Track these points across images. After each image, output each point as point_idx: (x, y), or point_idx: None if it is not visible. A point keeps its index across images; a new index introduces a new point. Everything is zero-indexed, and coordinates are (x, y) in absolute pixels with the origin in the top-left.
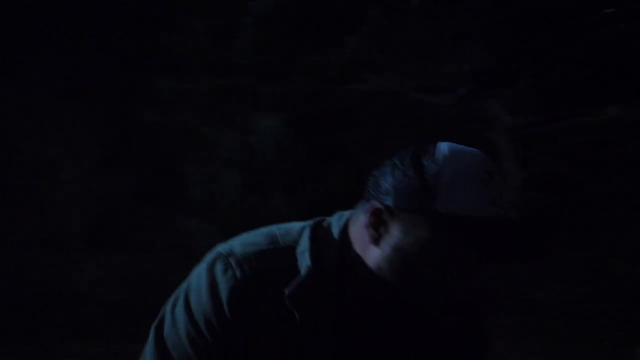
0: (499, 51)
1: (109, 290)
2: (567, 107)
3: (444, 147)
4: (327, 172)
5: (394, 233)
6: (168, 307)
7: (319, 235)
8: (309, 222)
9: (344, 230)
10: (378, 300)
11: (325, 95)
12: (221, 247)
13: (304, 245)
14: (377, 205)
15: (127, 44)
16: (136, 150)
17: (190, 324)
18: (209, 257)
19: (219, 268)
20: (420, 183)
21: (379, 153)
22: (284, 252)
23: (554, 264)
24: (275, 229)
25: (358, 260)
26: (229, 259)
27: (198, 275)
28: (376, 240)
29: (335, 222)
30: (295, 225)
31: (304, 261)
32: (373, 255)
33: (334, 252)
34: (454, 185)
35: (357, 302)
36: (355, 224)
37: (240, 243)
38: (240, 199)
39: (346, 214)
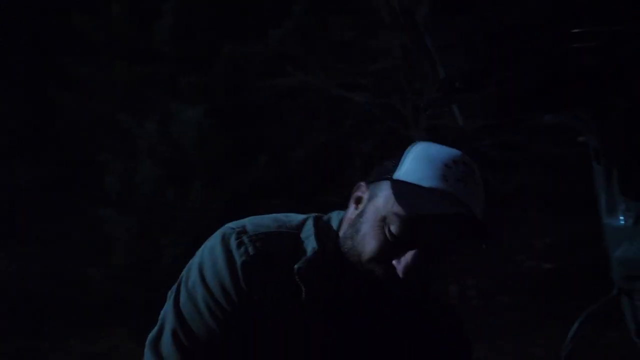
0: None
1: (16, 282)
2: (515, 112)
3: (423, 142)
4: (249, 165)
5: (365, 201)
6: (182, 283)
7: (321, 225)
8: (311, 215)
9: (342, 222)
10: (368, 285)
11: (248, 88)
12: (232, 224)
13: (308, 231)
14: (361, 183)
15: (40, 26)
16: (49, 138)
17: (208, 295)
18: (219, 232)
19: (233, 243)
20: (392, 163)
21: (302, 148)
22: (289, 236)
23: (466, 258)
24: (281, 215)
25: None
26: (242, 237)
27: (211, 249)
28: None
29: (334, 216)
30: (298, 216)
31: (310, 244)
32: (348, 224)
33: (333, 240)
34: (414, 162)
35: (351, 285)
36: (348, 211)
37: (251, 223)
38: (159, 190)
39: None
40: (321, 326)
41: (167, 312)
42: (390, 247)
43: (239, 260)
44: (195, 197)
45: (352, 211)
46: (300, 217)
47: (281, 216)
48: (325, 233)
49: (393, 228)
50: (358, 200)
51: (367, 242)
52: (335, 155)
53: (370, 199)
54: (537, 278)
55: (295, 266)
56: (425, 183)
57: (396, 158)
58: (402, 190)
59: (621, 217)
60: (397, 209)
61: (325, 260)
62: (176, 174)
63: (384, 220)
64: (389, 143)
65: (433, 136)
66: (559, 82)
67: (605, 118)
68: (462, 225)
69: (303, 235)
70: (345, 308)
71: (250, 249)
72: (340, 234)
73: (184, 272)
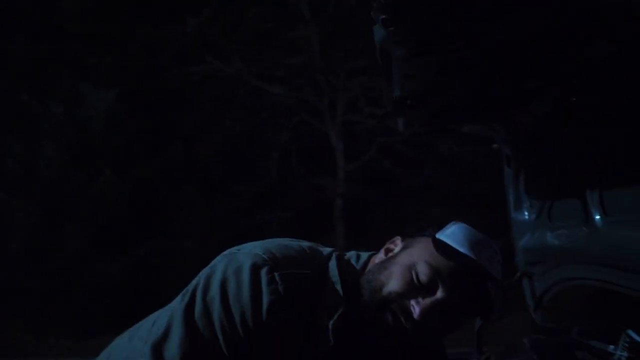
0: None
1: None
2: (446, 124)
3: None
4: (161, 151)
5: (397, 248)
6: (199, 293)
7: (343, 265)
8: (333, 251)
9: (366, 264)
10: (380, 333)
11: (163, 73)
12: (260, 249)
13: (334, 274)
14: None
15: None
16: None
17: (226, 316)
18: (249, 256)
19: (264, 278)
20: (433, 228)
21: (216, 136)
22: (316, 277)
23: None
24: (305, 245)
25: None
26: (274, 273)
27: (238, 271)
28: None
29: (354, 256)
30: (321, 249)
31: (338, 292)
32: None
33: (353, 277)
34: (456, 231)
35: (367, 336)
36: (376, 257)
37: (281, 253)
38: (64, 175)
39: (365, 254)
40: None
41: (175, 317)
42: (413, 288)
43: (267, 298)
44: (103, 182)
45: (380, 257)
46: (325, 251)
47: (306, 247)
48: (346, 271)
49: (421, 274)
50: (388, 250)
51: (393, 279)
52: (250, 146)
53: (404, 248)
54: None
55: (330, 323)
56: (462, 249)
57: (437, 226)
58: (442, 244)
59: (526, 213)
60: (431, 258)
61: (351, 312)
62: (83, 159)
63: (414, 266)
64: (304, 136)
65: (347, 132)
66: (481, 102)
67: (515, 131)
68: (477, 296)
69: (331, 276)
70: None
71: (281, 289)
72: (366, 272)
73: (200, 280)
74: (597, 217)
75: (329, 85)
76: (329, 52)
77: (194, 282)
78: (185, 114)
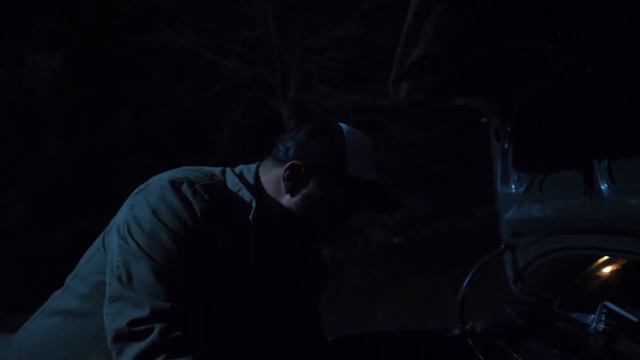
0: None
1: None
2: (447, 93)
3: (342, 125)
4: (108, 120)
5: (310, 187)
6: (135, 232)
7: (243, 179)
8: (224, 168)
9: (257, 178)
10: (283, 237)
11: (113, 40)
12: (168, 176)
13: (233, 183)
14: (297, 163)
15: None
16: None
17: (173, 235)
18: (164, 182)
19: (188, 191)
20: (333, 150)
21: (167, 108)
22: (223, 187)
23: None
24: (197, 168)
25: (271, 201)
26: (195, 186)
27: (162, 197)
28: (291, 191)
29: (245, 172)
30: (212, 169)
31: (246, 195)
32: (285, 200)
33: (260, 194)
34: (355, 155)
35: (269, 236)
36: (268, 175)
37: (186, 175)
38: (4, 139)
39: (252, 166)
40: (267, 266)
41: (128, 260)
42: (327, 214)
43: (197, 206)
44: (45, 149)
45: (287, 186)
46: (216, 169)
47: (200, 169)
48: (244, 179)
49: (329, 207)
50: (296, 181)
51: (298, 211)
52: (202, 119)
53: (319, 186)
54: (386, 250)
55: (250, 217)
56: (370, 176)
57: (329, 138)
58: (360, 188)
59: (513, 186)
60: (353, 203)
61: (264, 212)
62: (25, 124)
63: (328, 195)
64: (257, 112)
65: (300, 110)
66: (480, 73)
67: (508, 104)
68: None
69: (231, 186)
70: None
71: (206, 197)
72: (269, 192)
73: (127, 223)
74: (604, 186)
75: (283, 63)
76: (284, 28)
77: (115, 231)
78: (136, 83)
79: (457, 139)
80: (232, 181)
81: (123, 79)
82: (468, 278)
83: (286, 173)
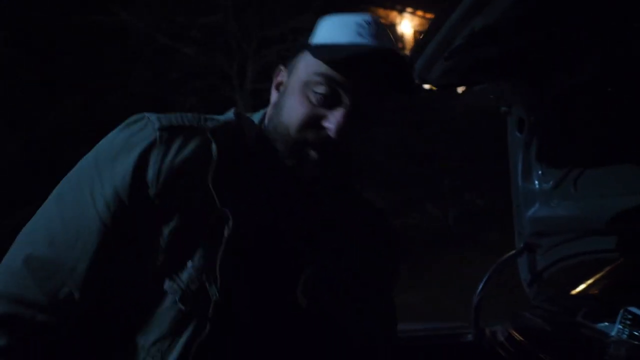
0: None
1: None
2: (478, 77)
3: None
4: (55, 106)
5: (285, 78)
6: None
7: (243, 116)
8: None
9: (263, 117)
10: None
11: (62, 21)
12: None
13: (228, 114)
14: (280, 67)
15: None
16: None
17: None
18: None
19: (139, 121)
20: (306, 37)
21: (119, 95)
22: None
23: None
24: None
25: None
26: (146, 115)
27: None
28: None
29: (256, 114)
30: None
31: (228, 116)
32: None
33: (254, 130)
34: (327, 27)
35: (266, 169)
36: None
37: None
38: None
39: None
40: (230, 191)
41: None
42: (318, 109)
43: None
44: None
45: (275, 96)
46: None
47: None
48: (245, 121)
49: (318, 88)
50: (279, 84)
51: (295, 111)
52: (156, 107)
53: (290, 74)
54: None
55: (209, 124)
56: (342, 40)
57: (309, 32)
58: (320, 49)
59: (536, 182)
60: (319, 67)
61: (239, 132)
62: None
63: (307, 85)
64: (213, 101)
65: (257, 100)
66: (516, 57)
67: (541, 92)
68: (384, 78)
69: (221, 118)
70: (253, 181)
71: (164, 121)
72: (265, 120)
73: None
74: None
75: (241, 52)
76: (244, 16)
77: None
78: (85, 67)
79: (411, 137)
80: (226, 115)
81: (72, 62)
82: (484, 281)
83: (275, 81)
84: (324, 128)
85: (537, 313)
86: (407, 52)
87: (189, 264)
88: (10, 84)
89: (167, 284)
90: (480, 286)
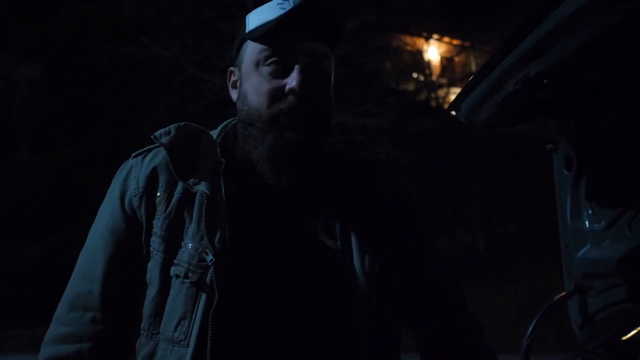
0: None
1: None
2: (524, 117)
3: None
4: (85, 136)
5: (237, 74)
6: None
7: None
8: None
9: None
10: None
11: (94, 52)
12: None
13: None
14: (230, 69)
15: None
16: None
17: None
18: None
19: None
20: (239, 33)
21: (147, 124)
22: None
23: None
24: None
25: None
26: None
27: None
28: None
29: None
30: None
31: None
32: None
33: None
34: (253, 15)
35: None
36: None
37: None
38: None
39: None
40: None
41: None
42: (277, 81)
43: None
44: (20, 164)
45: (235, 93)
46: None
47: None
48: (231, 132)
49: (267, 61)
50: (235, 83)
51: (257, 91)
52: None
53: (240, 68)
54: None
55: (218, 139)
56: (270, 17)
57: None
58: (254, 31)
59: (586, 221)
60: (260, 46)
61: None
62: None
63: (258, 65)
64: None
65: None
66: (564, 96)
67: (590, 129)
68: (316, 30)
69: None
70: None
71: (137, 152)
72: (238, 115)
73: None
74: None
75: None
76: None
77: None
78: (115, 97)
79: (436, 160)
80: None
81: (102, 92)
82: (534, 323)
83: (229, 84)
84: (289, 94)
85: (591, 357)
86: (434, 78)
87: (188, 244)
88: (44, 112)
89: (173, 270)
90: (530, 329)
